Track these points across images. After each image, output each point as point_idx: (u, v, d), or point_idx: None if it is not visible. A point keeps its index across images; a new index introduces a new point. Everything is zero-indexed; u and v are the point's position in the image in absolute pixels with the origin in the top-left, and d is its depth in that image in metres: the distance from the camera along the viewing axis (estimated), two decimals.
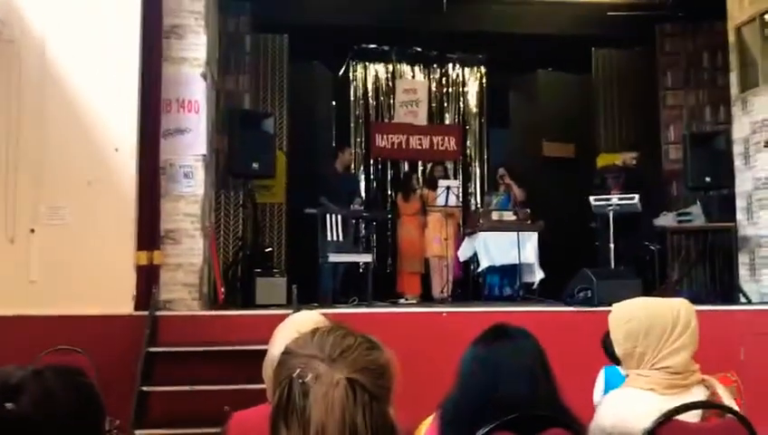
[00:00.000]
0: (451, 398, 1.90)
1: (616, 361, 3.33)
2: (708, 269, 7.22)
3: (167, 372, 4.82)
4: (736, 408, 2.01)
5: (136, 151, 5.44)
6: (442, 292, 7.77)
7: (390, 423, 1.04)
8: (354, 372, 1.03)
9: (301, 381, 1.03)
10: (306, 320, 1.70)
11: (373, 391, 1.03)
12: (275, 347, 1.64)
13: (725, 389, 2.12)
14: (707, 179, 6.99)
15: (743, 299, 6.59)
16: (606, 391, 2.92)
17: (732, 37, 7.05)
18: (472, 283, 7.96)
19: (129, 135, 5.42)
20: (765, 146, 6.48)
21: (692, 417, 1.97)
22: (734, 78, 7.05)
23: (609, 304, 2.21)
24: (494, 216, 7.46)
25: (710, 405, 1.97)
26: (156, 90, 5.62)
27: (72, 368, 1.17)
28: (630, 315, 2.08)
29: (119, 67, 5.43)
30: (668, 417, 1.91)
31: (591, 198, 6.93)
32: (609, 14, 8.47)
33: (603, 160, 8.51)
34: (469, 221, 8.16)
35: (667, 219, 7.12)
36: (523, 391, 1.73)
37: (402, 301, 7.60)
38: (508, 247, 7.19)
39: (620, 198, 6.82)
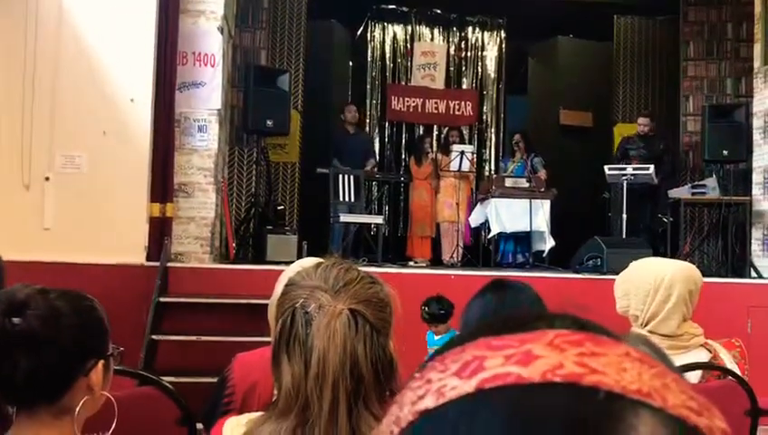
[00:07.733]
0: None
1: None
2: (721, 242, 7.18)
3: (176, 323, 4.89)
4: (737, 371, 2.01)
5: (151, 103, 5.44)
6: (452, 257, 7.78)
7: (390, 355, 1.06)
8: (356, 303, 1.05)
9: (304, 310, 1.05)
10: (309, 261, 1.72)
11: (374, 323, 1.05)
12: (279, 287, 1.66)
13: (728, 353, 2.12)
14: (725, 152, 6.91)
15: (753, 274, 6.56)
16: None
17: (758, 8, 6.89)
18: (482, 249, 7.96)
19: (144, 86, 5.41)
20: None
21: (691, 378, 1.98)
22: (757, 49, 6.90)
23: (619, 274, 2.20)
24: (508, 182, 7.41)
25: (709, 366, 1.97)
26: (172, 42, 5.60)
27: (76, 291, 1.19)
28: (626, 276, 2.09)
29: (135, 17, 5.40)
30: None
31: (606, 168, 6.87)
32: None
33: (621, 130, 8.41)
34: (482, 187, 8.12)
35: (681, 191, 7.06)
36: None
37: (411, 264, 7.62)
38: (520, 214, 7.16)
39: (635, 168, 6.76)
